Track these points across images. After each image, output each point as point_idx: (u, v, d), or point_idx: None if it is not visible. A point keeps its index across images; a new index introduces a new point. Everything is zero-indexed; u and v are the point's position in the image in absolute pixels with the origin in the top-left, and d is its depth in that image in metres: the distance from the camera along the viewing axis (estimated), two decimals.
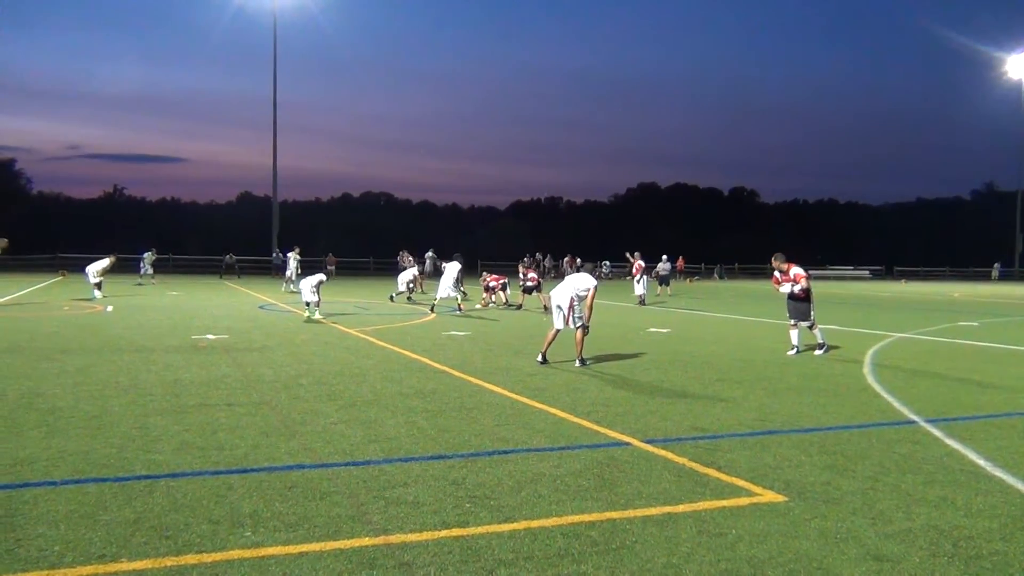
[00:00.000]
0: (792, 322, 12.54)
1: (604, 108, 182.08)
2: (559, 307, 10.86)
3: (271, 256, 50.13)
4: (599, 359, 11.38)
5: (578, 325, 10.72)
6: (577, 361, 10.76)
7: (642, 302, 24.94)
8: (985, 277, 67.14)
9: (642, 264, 25.83)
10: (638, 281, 25.42)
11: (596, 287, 10.92)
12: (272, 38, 51.25)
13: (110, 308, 19.73)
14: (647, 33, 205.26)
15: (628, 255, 27.71)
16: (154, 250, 35.12)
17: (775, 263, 12.76)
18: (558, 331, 10.95)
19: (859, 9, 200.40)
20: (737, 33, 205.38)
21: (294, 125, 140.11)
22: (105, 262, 23.63)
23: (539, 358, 10.90)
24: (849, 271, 72.21)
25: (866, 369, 10.98)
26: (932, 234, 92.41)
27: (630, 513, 4.67)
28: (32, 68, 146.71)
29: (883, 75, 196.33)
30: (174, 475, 5.32)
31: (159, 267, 36.95)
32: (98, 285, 22.91)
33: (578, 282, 10.91)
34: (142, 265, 33.78)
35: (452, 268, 20.29)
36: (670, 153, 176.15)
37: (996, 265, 67.06)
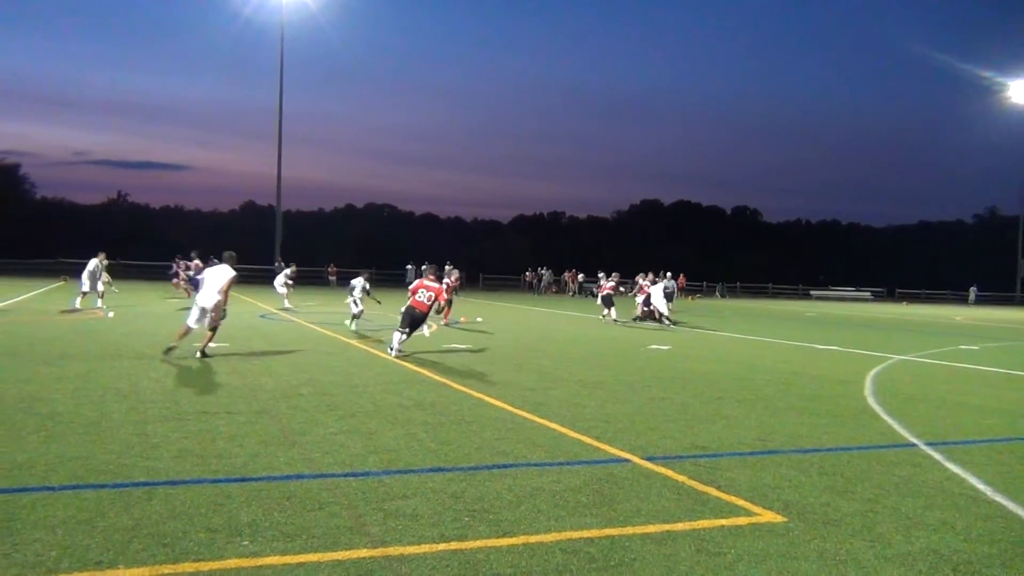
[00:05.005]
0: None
1: (608, 124, 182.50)
2: (203, 308, 11.98)
3: (273, 265, 50.22)
4: (598, 375, 11.37)
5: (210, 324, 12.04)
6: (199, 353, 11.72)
7: (606, 318, 24.87)
8: (963, 301, 66.46)
9: (646, 285, 26.15)
10: (644, 303, 25.61)
11: (234, 278, 12.39)
12: (279, 48, 51.72)
13: (111, 314, 19.76)
14: (651, 51, 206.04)
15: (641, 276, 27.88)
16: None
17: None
18: (191, 329, 12.03)
19: (865, 32, 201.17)
20: (742, 52, 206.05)
21: (299, 135, 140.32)
22: (95, 264, 22.81)
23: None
24: (850, 292, 72.14)
25: (866, 391, 10.96)
26: (934, 257, 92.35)
27: (629, 530, 4.66)
28: (39, 73, 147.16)
29: (888, 98, 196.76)
30: (173, 483, 5.31)
31: (147, 275, 28.91)
32: (101, 294, 22.75)
33: (218, 277, 12.23)
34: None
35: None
36: (673, 170, 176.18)
37: (972, 289, 66.35)
